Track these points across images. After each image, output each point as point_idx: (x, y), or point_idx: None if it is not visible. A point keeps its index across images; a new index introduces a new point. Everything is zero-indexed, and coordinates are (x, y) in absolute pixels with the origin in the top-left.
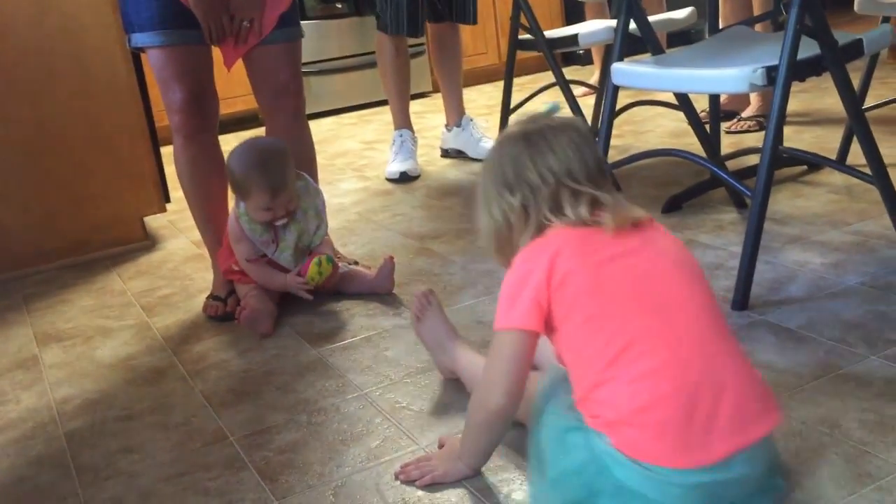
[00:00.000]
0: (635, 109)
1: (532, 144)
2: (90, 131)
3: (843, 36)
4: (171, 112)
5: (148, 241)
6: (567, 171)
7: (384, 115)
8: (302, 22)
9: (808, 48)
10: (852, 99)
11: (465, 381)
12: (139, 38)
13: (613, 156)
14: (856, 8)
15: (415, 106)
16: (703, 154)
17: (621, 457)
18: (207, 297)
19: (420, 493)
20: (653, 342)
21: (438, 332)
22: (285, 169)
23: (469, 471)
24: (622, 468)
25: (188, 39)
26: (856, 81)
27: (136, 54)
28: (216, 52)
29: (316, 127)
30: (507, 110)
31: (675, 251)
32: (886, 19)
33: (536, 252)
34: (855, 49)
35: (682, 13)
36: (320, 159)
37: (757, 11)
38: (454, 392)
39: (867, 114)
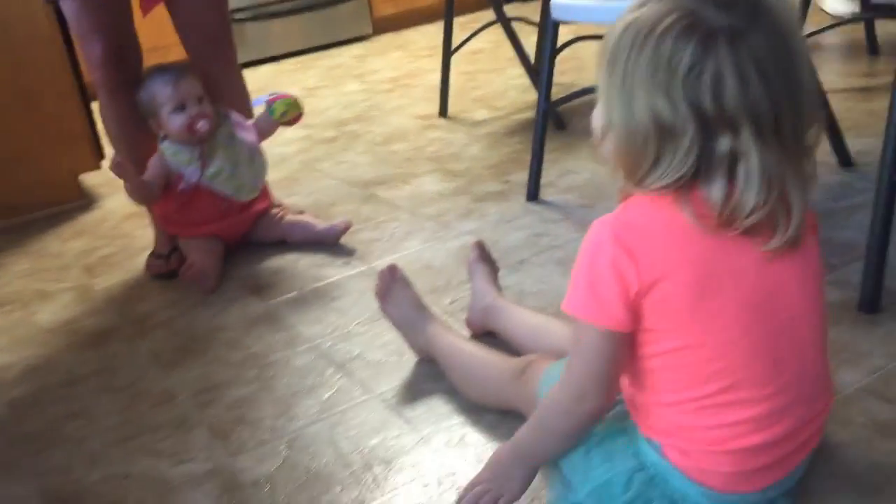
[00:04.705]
0: (578, 45)
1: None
2: (12, 88)
3: None
4: (92, 67)
5: (84, 200)
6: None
7: (326, 59)
8: None
9: None
10: None
11: (444, 366)
12: None
13: (557, 93)
14: None
15: (355, 49)
16: None
17: (677, 472)
18: (150, 256)
19: (374, 441)
20: (757, 391)
21: (407, 310)
22: (182, 65)
23: (533, 473)
24: (680, 480)
25: None
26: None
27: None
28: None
29: (253, 75)
30: (448, 50)
31: (815, 263)
32: None
33: (631, 245)
34: None
35: None
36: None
37: None
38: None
39: (808, 40)
